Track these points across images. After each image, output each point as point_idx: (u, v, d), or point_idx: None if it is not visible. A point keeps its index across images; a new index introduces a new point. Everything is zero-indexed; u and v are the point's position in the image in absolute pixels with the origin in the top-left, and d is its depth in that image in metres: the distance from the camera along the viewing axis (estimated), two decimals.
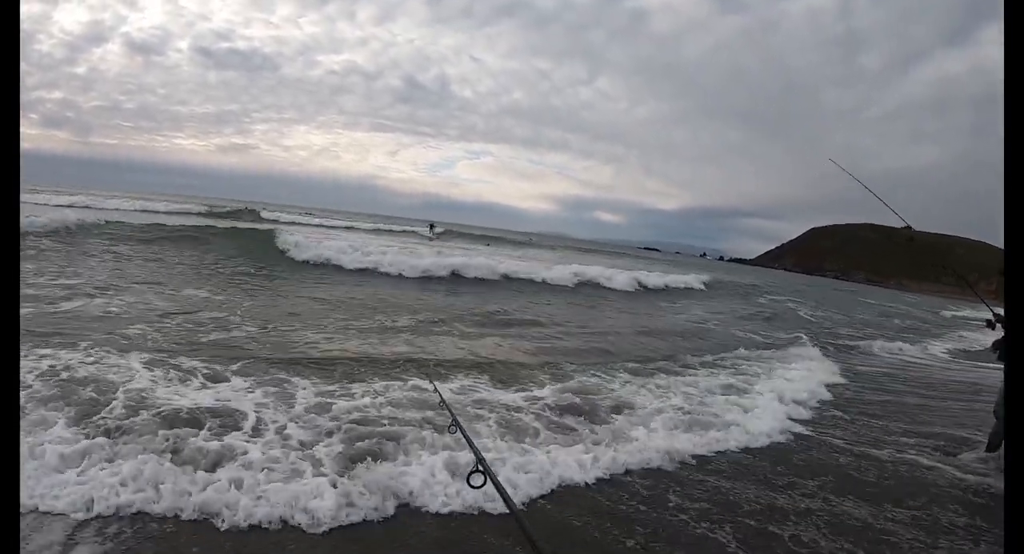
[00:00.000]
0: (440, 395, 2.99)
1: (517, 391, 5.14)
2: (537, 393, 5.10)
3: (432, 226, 38.42)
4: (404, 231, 40.54)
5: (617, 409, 4.87)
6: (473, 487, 1.66)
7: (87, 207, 29.63)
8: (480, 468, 1.70)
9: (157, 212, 31.62)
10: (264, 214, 37.03)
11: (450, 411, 2.48)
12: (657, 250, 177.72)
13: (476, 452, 1.82)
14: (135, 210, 31.91)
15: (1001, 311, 5.33)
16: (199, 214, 32.33)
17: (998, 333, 4.66)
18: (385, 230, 39.38)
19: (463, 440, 1.97)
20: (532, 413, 4.55)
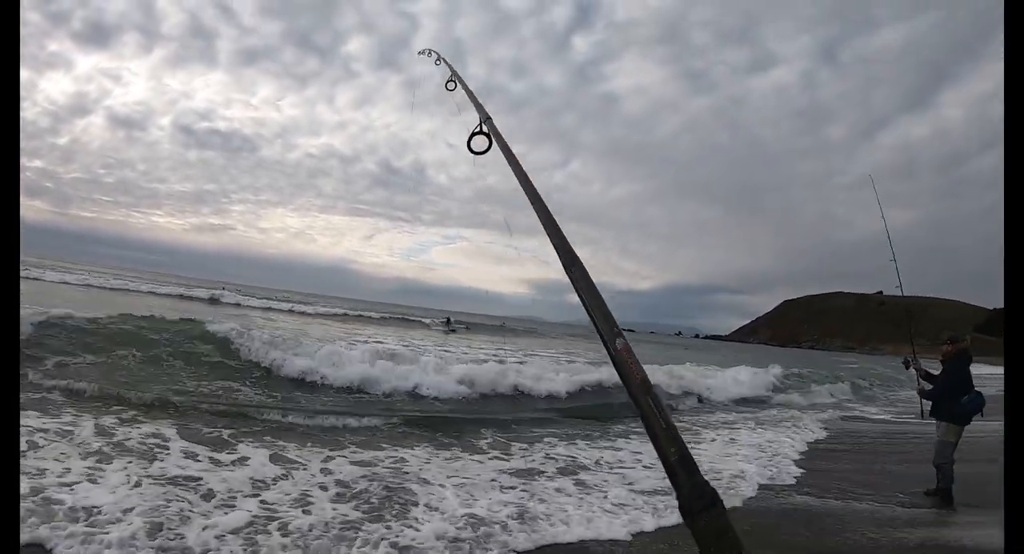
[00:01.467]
0: (438, 54, 2.58)
1: None
2: None
3: (449, 320, 38.72)
4: (400, 318, 39.91)
5: None
6: (475, 152, 1.28)
7: (66, 283, 29.34)
8: (484, 129, 1.30)
9: (130, 291, 31.48)
10: (246, 300, 36.47)
11: (448, 64, 2.18)
12: (632, 331, 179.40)
13: (479, 108, 1.47)
14: (110, 288, 31.62)
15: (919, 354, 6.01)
16: (174, 296, 31.60)
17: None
18: (380, 318, 37.81)
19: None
20: None
